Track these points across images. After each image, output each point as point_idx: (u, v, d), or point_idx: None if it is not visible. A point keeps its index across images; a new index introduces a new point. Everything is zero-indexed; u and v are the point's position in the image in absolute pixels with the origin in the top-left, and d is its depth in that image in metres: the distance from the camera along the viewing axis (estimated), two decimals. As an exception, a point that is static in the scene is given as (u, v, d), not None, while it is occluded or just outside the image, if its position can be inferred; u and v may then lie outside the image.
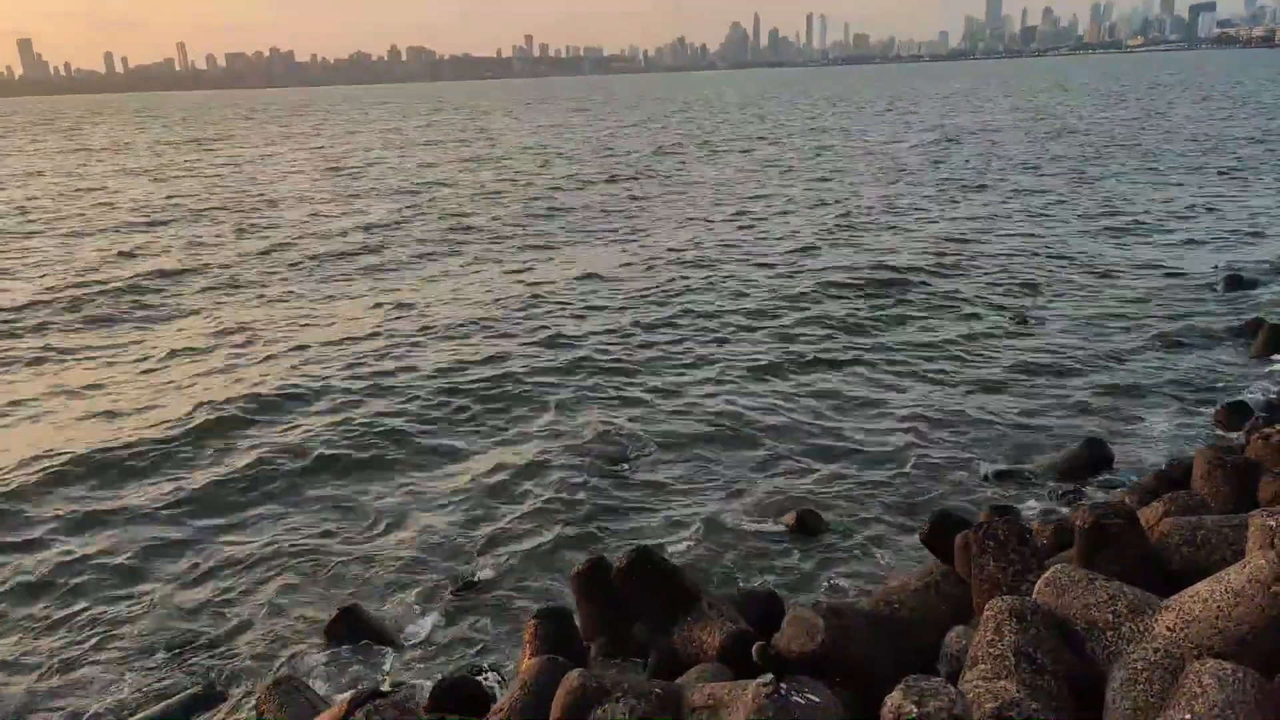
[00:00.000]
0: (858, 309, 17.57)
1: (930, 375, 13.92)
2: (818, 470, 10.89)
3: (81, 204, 36.04)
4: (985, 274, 20.03)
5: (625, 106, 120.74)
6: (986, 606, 5.20)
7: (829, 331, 16.18)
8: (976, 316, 16.99)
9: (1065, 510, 9.18)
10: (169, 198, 37.17)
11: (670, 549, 8.94)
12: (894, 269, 20.41)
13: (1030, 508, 9.53)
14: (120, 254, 24.83)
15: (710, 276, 20.42)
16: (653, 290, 19.41)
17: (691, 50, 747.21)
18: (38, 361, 15.66)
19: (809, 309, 17.59)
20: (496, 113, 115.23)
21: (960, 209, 28.45)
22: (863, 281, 19.48)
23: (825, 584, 8.55)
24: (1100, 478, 10.31)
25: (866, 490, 10.39)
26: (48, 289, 20.71)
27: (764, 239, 24.75)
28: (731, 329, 16.50)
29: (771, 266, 21.46)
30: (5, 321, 17.98)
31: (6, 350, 16.19)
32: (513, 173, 43.45)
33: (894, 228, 25.65)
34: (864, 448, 11.43)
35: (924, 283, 19.21)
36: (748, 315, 17.34)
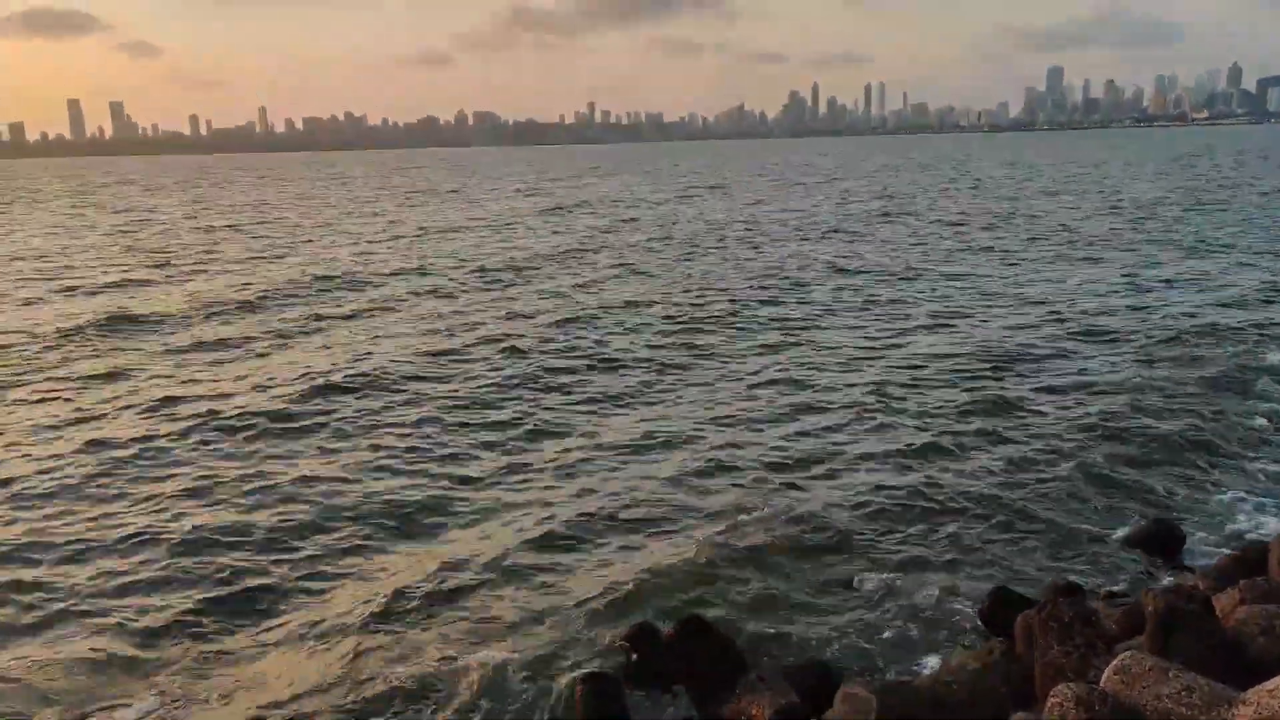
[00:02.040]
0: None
1: (996, 435, 13.65)
2: (874, 536, 10.66)
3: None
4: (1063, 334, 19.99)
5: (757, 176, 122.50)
6: (1051, 693, 5.00)
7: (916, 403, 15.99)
8: (1044, 375, 16.73)
9: (1132, 592, 8.82)
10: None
11: (719, 616, 8.76)
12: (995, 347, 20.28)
13: (1095, 587, 9.18)
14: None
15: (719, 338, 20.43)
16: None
17: (750, 118, 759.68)
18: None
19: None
20: (615, 178, 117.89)
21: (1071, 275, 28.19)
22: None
23: (879, 658, 8.30)
24: (1171, 559, 9.92)
25: (925, 560, 10.13)
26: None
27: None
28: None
29: (873, 349, 21.42)
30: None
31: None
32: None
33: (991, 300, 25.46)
34: (922, 516, 11.18)
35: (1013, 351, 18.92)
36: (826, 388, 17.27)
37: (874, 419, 14.87)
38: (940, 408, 15.38)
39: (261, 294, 27.49)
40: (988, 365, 17.94)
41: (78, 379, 18.12)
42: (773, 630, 8.78)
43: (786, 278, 29.20)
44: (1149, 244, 35.46)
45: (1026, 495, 11.73)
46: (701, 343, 20.44)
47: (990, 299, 25.17)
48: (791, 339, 20.65)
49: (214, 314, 24.51)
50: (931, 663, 7.98)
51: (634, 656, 7.75)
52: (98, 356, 20.06)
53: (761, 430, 14.52)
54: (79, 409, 16.01)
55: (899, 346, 19.85)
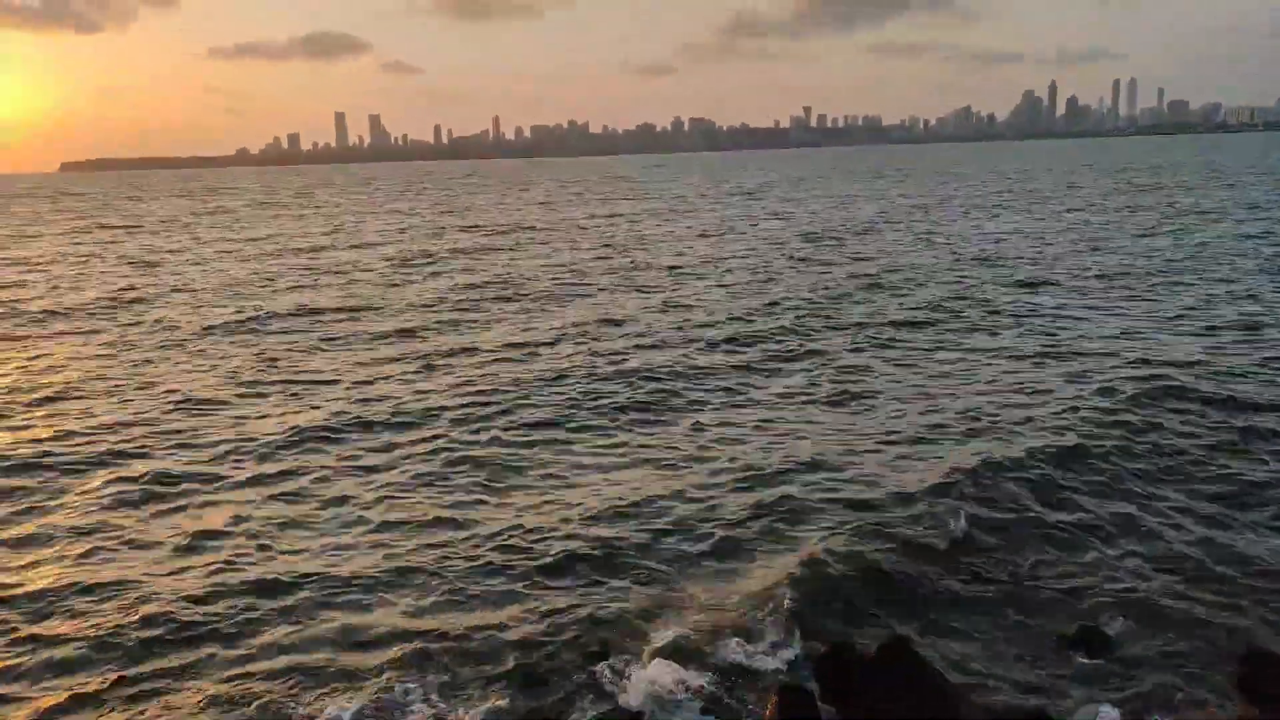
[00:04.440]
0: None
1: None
2: (1104, 578, 9.81)
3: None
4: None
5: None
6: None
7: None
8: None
9: None
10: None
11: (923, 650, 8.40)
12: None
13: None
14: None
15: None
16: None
17: (978, 120, 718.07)
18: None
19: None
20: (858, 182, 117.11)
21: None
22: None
23: (1097, 716, 7.60)
24: None
25: (1163, 607, 9.20)
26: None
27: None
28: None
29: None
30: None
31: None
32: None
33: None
34: (1162, 563, 10.16)
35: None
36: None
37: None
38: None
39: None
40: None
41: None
42: (981, 668, 8.30)
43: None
44: None
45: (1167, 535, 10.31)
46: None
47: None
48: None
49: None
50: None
51: (829, 674, 7.55)
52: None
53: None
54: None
55: None
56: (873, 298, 27.22)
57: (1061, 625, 8.97)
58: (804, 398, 16.90)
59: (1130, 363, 18.38)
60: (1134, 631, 8.84)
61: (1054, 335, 21.44)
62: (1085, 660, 8.43)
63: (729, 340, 21.57)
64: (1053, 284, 28.57)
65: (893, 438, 14.42)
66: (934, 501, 11.61)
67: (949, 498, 11.72)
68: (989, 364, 19.02)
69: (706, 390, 17.53)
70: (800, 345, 21.06)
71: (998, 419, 15.17)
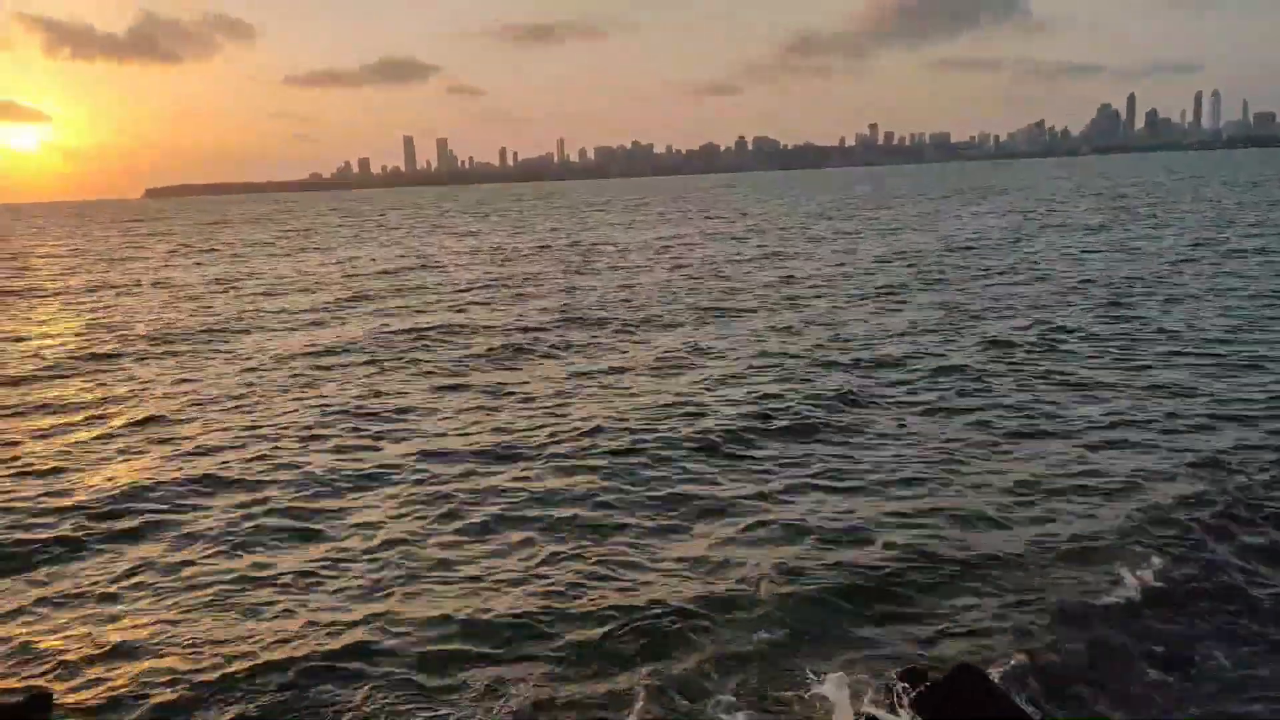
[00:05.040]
0: None
1: None
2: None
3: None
4: None
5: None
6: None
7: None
8: None
9: None
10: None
11: (997, 670, 8.36)
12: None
13: None
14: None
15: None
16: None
17: (1049, 134, 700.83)
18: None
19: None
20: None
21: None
22: None
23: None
24: None
25: None
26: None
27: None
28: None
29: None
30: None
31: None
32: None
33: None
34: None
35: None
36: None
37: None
38: None
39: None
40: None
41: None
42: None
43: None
44: None
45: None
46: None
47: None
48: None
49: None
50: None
51: (904, 698, 7.62)
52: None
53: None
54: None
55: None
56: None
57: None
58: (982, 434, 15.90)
59: None
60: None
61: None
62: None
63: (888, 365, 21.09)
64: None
65: (1090, 480, 13.41)
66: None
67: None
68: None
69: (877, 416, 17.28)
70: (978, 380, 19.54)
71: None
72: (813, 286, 35.67)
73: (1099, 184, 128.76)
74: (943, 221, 70.21)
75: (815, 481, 13.84)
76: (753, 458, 15.03)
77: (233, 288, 43.64)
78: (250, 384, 21.86)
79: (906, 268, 40.42)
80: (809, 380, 19.91)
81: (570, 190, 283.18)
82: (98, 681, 8.85)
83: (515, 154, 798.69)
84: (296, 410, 19.10)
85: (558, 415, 17.94)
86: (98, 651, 9.42)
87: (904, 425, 16.52)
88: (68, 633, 9.89)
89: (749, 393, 18.98)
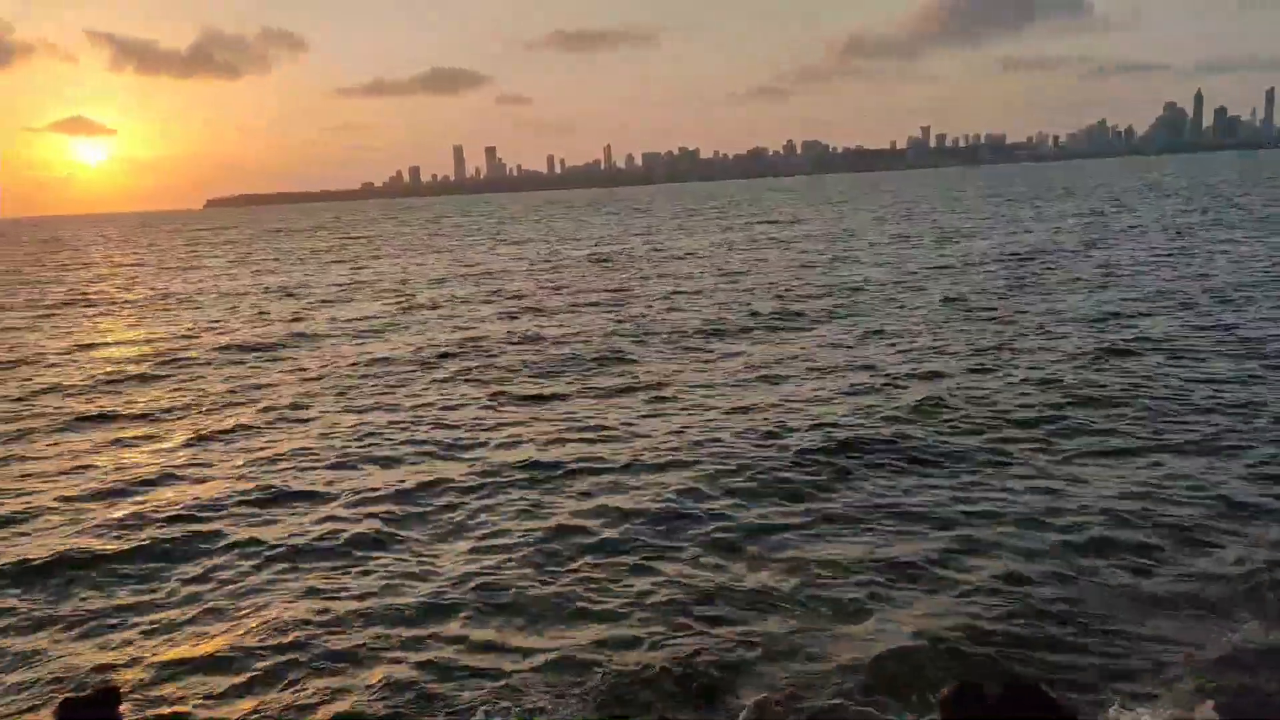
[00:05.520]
0: None
1: None
2: None
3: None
4: None
5: None
6: None
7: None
8: None
9: None
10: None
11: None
12: None
13: None
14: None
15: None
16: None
17: (1111, 134, 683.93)
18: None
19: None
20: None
21: None
22: None
23: None
24: None
25: None
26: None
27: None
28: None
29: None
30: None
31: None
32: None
33: None
34: None
35: None
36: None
37: None
38: None
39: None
40: None
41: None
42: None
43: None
44: None
45: None
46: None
47: None
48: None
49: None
50: None
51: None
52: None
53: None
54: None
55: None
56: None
57: None
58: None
59: None
60: None
61: None
62: None
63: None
64: None
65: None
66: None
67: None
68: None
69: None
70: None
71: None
72: (884, 293, 34.17)
73: (1218, 184, 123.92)
74: (1015, 224, 67.83)
75: (927, 511, 12.48)
76: (854, 477, 13.74)
77: (293, 295, 43.75)
78: (317, 394, 21.35)
79: (984, 274, 38.62)
80: (901, 391, 18.52)
81: (619, 196, 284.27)
82: (165, 681, 8.96)
83: (563, 161, 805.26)
84: (369, 420, 18.47)
85: (644, 428, 16.88)
86: (164, 656, 9.41)
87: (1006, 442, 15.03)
88: (136, 637, 9.87)
89: (853, 408, 17.68)
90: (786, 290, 36.41)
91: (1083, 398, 17.67)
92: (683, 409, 18.54)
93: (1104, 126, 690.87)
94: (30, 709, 8.50)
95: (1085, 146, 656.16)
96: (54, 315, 40.80)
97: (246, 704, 8.50)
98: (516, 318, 32.57)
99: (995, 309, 29.05)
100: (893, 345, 24.13)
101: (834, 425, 16.49)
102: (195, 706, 8.51)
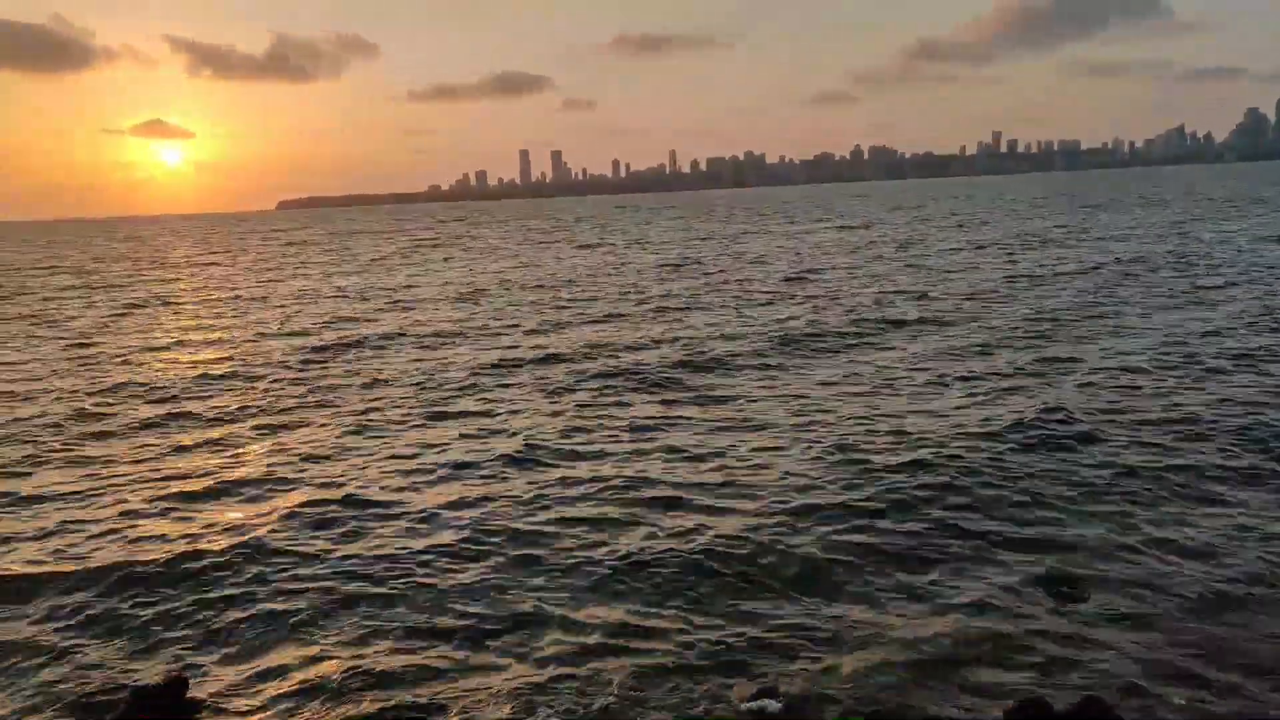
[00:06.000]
0: None
1: None
2: None
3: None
4: None
5: None
6: None
7: None
8: None
9: None
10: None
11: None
12: None
13: None
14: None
15: None
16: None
17: (1190, 141, 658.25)
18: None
19: None
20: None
21: None
22: None
23: None
24: None
25: None
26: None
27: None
28: None
29: None
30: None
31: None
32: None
33: None
34: None
35: None
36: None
37: None
38: None
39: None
40: None
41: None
42: None
43: None
44: None
45: None
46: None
47: None
48: None
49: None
50: None
51: None
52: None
53: None
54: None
55: None
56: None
57: None
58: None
59: None
60: None
61: None
62: None
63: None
64: None
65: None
66: None
67: None
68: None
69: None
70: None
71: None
72: (972, 301, 32.73)
73: None
74: (1104, 231, 65.14)
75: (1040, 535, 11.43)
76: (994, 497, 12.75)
77: (369, 299, 44.05)
78: (396, 401, 21.04)
79: (1082, 282, 36.85)
80: (1027, 399, 17.37)
81: (684, 200, 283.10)
82: (234, 679, 8.99)
83: (628, 165, 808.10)
84: (444, 429, 18.06)
85: (732, 446, 16.07)
86: (240, 661, 9.38)
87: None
88: (210, 639, 9.91)
89: (987, 417, 16.66)
90: (875, 298, 35.25)
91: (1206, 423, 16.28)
92: (769, 427, 17.68)
93: (1182, 132, 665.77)
94: (88, 708, 8.46)
95: (1162, 152, 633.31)
96: (131, 314, 41.86)
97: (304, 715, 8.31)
98: (592, 324, 32.11)
99: (1086, 321, 27.53)
100: (988, 359, 22.92)
101: (942, 445, 15.47)
102: (263, 695, 8.51)
